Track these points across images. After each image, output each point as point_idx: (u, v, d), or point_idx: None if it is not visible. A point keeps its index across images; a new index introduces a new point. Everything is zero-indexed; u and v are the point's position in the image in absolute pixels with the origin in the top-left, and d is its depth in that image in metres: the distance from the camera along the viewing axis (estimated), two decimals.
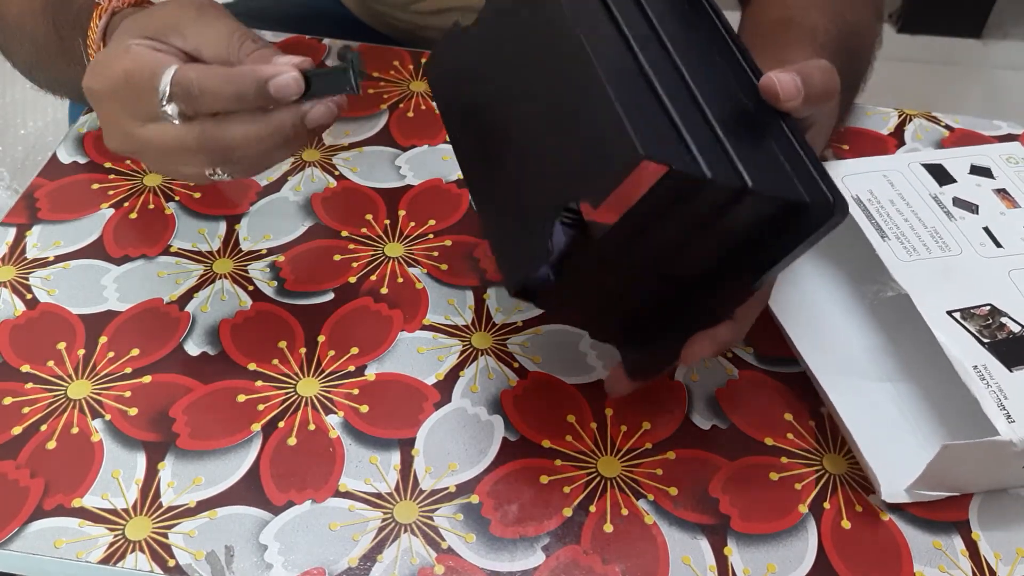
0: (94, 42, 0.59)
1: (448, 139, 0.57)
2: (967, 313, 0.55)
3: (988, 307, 0.55)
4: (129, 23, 0.55)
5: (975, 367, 0.52)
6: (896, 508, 0.53)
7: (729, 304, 0.51)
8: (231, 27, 0.54)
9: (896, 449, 0.54)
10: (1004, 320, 0.55)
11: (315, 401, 0.57)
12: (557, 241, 0.45)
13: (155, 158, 0.54)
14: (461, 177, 0.71)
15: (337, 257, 0.66)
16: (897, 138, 0.76)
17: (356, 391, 0.58)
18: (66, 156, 0.72)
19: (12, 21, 0.69)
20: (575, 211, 0.46)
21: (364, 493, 0.53)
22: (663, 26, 0.49)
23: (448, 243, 0.67)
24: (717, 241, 0.47)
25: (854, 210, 0.61)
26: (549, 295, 0.47)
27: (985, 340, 0.54)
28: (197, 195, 0.69)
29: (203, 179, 0.54)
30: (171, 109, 0.51)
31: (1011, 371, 0.52)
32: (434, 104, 0.58)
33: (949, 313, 0.55)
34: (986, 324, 0.54)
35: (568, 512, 0.53)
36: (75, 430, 0.55)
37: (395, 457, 0.55)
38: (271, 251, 0.66)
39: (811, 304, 0.62)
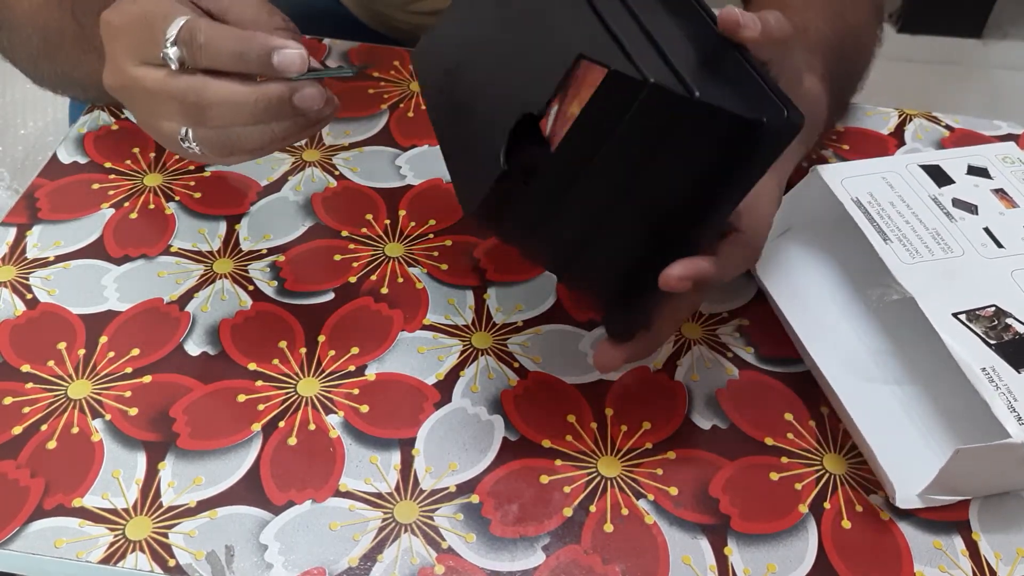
0: None
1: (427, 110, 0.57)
2: (972, 315, 0.55)
3: (993, 308, 0.55)
4: None
5: (983, 369, 0.52)
6: (897, 508, 0.53)
7: (703, 236, 0.50)
8: (265, 6, 0.54)
9: (905, 453, 0.54)
10: (1009, 321, 0.55)
11: (315, 401, 0.57)
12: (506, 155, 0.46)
13: (139, 101, 0.54)
14: None
15: (337, 257, 0.66)
16: (897, 138, 0.76)
17: (356, 391, 0.58)
18: (66, 156, 0.72)
19: (21, 14, 0.69)
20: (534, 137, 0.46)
21: (364, 493, 0.53)
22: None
23: (448, 243, 0.67)
24: (676, 166, 0.47)
25: (855, 213, 0.61)
26: (510, 218, 0.47)
27: (991, 342, 0.54)
28: (197, 195, 0.69)
29: (176, 144, 0.53)
30: (172, 52, 0.51)
31: (1019, 372, 0.52)
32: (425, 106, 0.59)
33: (955, 315, 0.55)
34: (992, 325, 0.54)
35: (568, 512, 0.53)
36: (75, 430, 0.55)
37: (395, 457, 0.55)
38: (271, 251, 0.66)
39: (817, 308, 0.62)
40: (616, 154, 0.45)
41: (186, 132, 0.52)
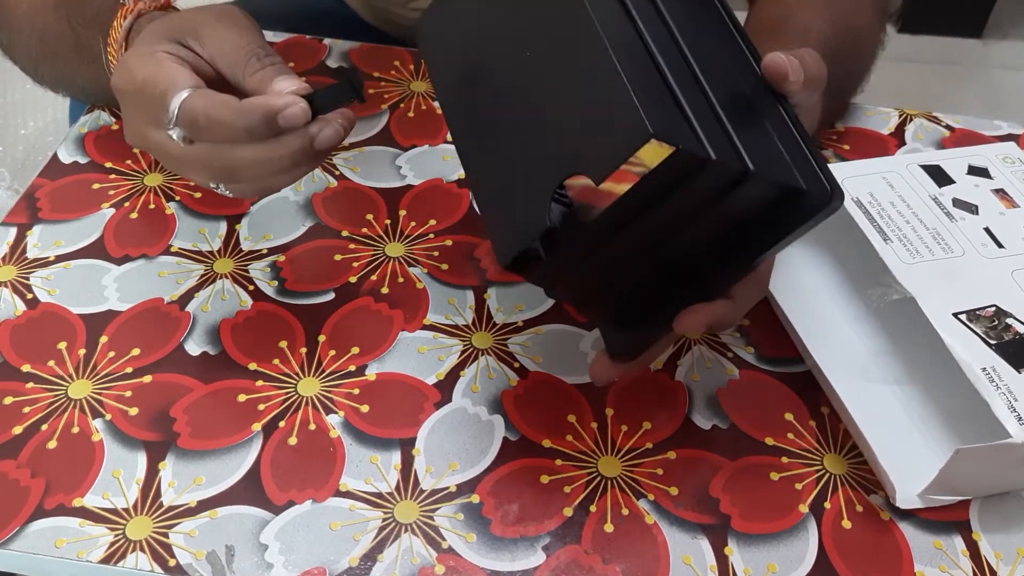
0: (116, 41, 0.60)
1: (440, 108, 0.56)
2: (973, 315, 0.55)
3: (993, 308, 0.55)
4: (154, 26, 0.56)
5: (983, 369, 0.52)
6: (897, 508, 0.53)
7: (723, 282, 0.50)
8: (242, 42, 0.54)
9: (906, 453, 0.54)
10: (1010, 321, 0.55)
11: (316, 401, 0.57)
12: (551, 217, 0.45)
13: (165, 161, 0.55)
14: (462, 177, 0.71)
15: (338, 257, 0.66)
16: (898, 138, 0.76)
17: (357, 391, 0.58)
18: (67, 156, 0.72)
19: (20, 16, 0.69)
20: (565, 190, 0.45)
21: (364, 493, 0.53)
22: (664, 2, 0.49)
23: (449, 243, 0.67)
24: (714, 224, 0.47)
25: (855, 213, 0.61)
26: (540, 270, 0.47)
27: (992, 342, 0.54)
28: (198, 195, 0.69)
29: (209, 188, 0.55)
30: (176, 134, 0.52)
31: (1020, 372, 0.52)
32: (429, 76, 0.57)
33: (955, 315, 0.55)
34: (992, 325, 0.54)
35: (568, 512, 0.53)
36: (76, 430, 0.55)
37: (396, 457, 0.55)
38: (272, 251, 0.66)
39: (817, 308, 0.62)
40: (659, 219, 0.45)
41: (218, 184, 0.54)
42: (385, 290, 0.64)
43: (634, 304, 0.51)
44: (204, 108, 0.51)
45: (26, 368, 0.58)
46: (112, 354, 0.59)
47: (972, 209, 0.62)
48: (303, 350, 0.60)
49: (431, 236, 0.67)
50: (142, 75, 0.53)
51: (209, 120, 0.51)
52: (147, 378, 0.58)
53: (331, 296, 0.63)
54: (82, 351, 0.59)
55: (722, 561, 0.52)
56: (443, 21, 0.54)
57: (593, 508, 0.53)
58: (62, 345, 0.60)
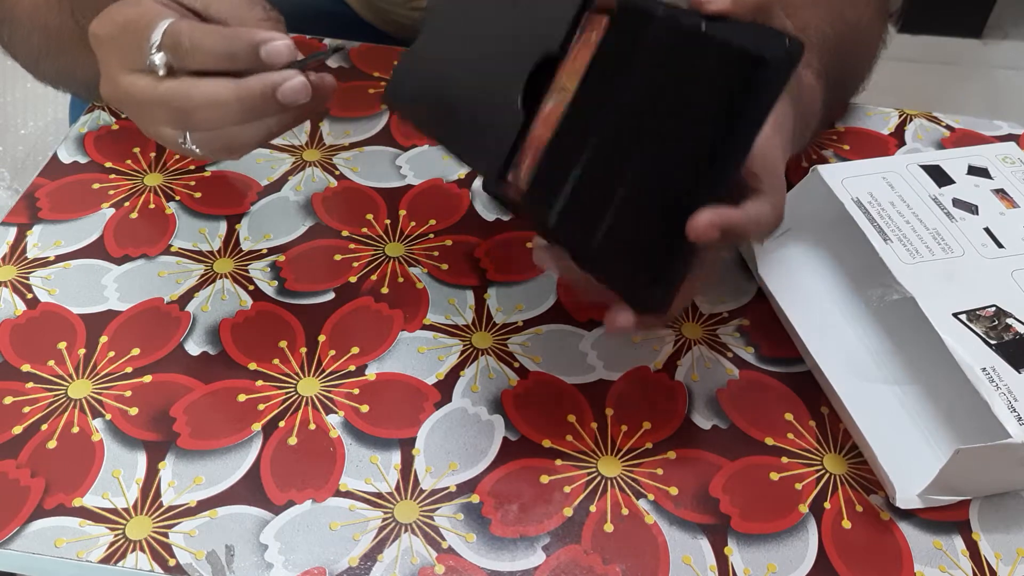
0: None
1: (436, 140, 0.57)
2: (973, 315, 0.55)
3: (993, 308, 0.55)
4: None
5: (983, 369, 0.52)
6: (897, 508, 0.53)
7: (720, 181, 0.48)
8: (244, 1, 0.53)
9: (906, 453, 0.54)
10: (1010, 321, 0.55)
11: (315, 401, 0.57)
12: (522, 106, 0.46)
13: (133, 110, 0.54)
14: (462, 177, 0.71)
15: (338, 257, 0.66)
16: (898, 138, 0.76)
17: (356, 391, 0.58)
18: (67, 156, 0.72)
19: (22, 14, 0.69)
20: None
21: (364, 493, 0.53)
22: None
23: (448, 243, 0.67)
24: (686, 109, 0.46)
25: (855, 213, 0.61)
26: (531, 196, 0.46)
27: (992, 342, 0.54)
28: (198, 195, 0.69)
29: (177, 145, 0.53)
30: (158, 59, 0.50)
31: (1020, 372, 0.52)
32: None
33: (955, 315, 0.55)
34: (992, 326, 0.54)
35: (568, 512, 0.53)
36: (76, 429, 0.55)
37: (395, 457, 0.55)
38: (272, 251, 0.66)
39: (817, 308, 0.62)
40: (630, 93, 0.45)
41: (185, 135, 0.52)
42: (385, 290, 0.64)
43: (642, 238, 0.49)
44: (189, 30, 0.50)
45: (26, 368, 0.58)
46: (112, 354, 0.59)
47: (972, 209, 0.62)
48: (303, 350, 0.60)
49: (431, 236, 0.67)
50: (124, 16, 0.52)
51: (192, 41, 0.50)
52: (147, 378, 0.58)
53: (331, 296, 0.63)
54: (82, 351, 0.59)
55: (722, 561, 0.52)
56: (409, 81, 0.55)
57: (593, 508, 0.53)
58: (62, 345, 0.60)
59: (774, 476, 0.55)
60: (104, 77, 0.55)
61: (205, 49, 0.50)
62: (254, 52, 0.49)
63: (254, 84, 0.50)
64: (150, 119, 0.53)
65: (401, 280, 0.64)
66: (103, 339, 0.60)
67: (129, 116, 0.56)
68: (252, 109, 0.50)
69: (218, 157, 0.54)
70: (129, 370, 0.58)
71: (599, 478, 0.55)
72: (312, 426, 0.56)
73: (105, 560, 0.50)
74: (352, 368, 0.59)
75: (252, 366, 0.59)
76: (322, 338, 0.61)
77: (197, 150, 0.53)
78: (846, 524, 0.53)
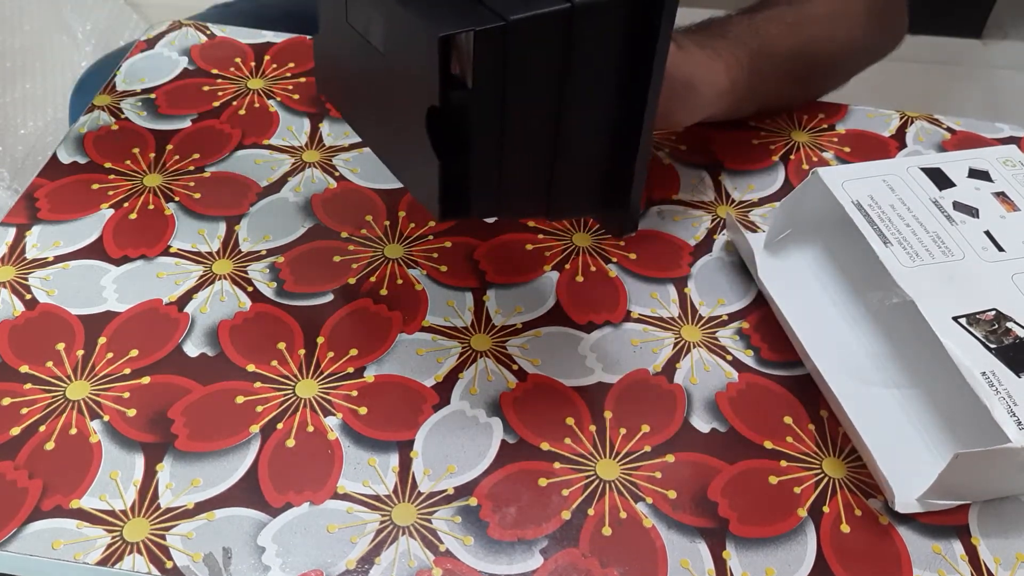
0: None
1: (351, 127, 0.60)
2: (973, 319, 0.55)
3: (993, 312, 0.55)
4: None
5: (983, 373, 0.52)
6: (896, 513, 0.53)
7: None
8: None
9: (905, 457, 0.54)
10: (1010, 325, 0.55)
11: (314, 403, 0.57)
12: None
13: None
14: None
15: (337, 258, 0.66)
16: (899, 140, 0.76)
17: (355, 393, 0.58)
18: (66, 156, 0.72)
19: None
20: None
21: (362, 495, 0.53)
22: None
23: (448, 245, 0.67)
24: (590, 78, 0.48)
25: (856, 216, 0.60)
26: (479, 195, 0.49)
27: (992, 346, 0.54)
28: (197, 196, 0.69)
29: None
30: None
31: (1020, 376, 0.52)
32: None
33: (955, 319, 0.55)
34: (992, 329, 0.54)
35: (567, 515, 0.53)
36: (73, 431, 0.55)
37: (394, 459, 0.55)
38: (271, 252, 0.66)
39: (817, 311, 0.62)
40: (533, 92, 0.47)
41: None
42: (384, 292, 0.64)
43: (590, 180, 0.52)
44: None
45: (24, 369, 0.58)
46: (110, 355, 0.59)
47: (973, 212, 0.62)
48: (302, 352, 0.60)
49: (430, 238, 0.67)
50: None
51: None
52: (145, 379, 0.58)
53: (330, 297, 0.63)
54: (80, 352, 0.59)
55: (720, 565, 0.51)
56: (325, 67, 0.58)
57: (591, 511, 0.53)
58: (60, 346, 0.59)
59: (773, 480, 0.55)
60: None
61: None
62: None
63: None
64: None
65: (400, 282, 0.64)
66: (101, 340, 0.60)
67: None
68: None
69: None
70: (127, 371, 0.58)
71: (597, 481, 0.55)
72: (310, 428, 0.56)
73: (102, 562, 0.50)
74: (351, 370, 0.59)
75: (251, 368, 0.59)
76: (321, 340, 0.60)
77: None
78: (845, 528, 0.53)
